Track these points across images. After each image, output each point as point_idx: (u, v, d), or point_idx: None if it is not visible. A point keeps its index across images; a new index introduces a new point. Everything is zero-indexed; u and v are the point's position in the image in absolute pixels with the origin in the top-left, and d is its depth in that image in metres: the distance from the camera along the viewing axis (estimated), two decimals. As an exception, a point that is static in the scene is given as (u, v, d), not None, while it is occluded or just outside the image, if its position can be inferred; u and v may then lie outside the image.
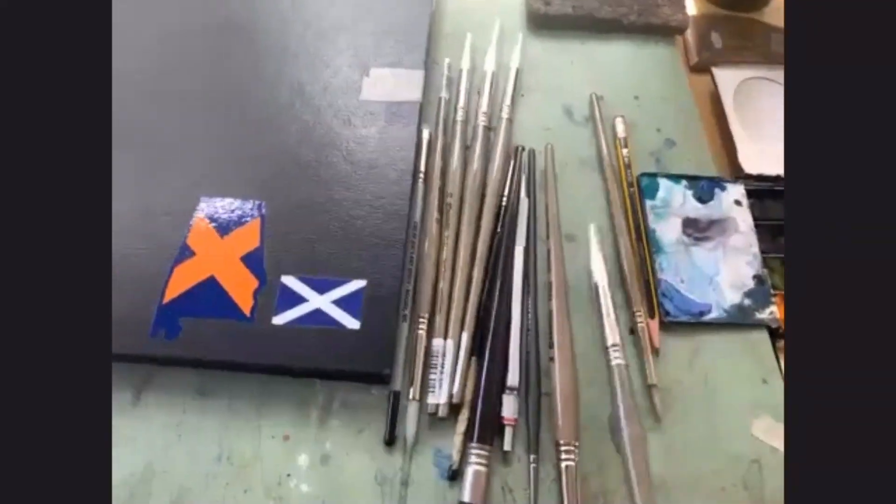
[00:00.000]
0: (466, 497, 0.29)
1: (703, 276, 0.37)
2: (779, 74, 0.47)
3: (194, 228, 0.34)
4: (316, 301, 0.32)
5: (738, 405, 0.34)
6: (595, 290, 0.36)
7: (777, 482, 0.32)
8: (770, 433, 0.33)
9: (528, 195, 0.39)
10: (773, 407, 0.34)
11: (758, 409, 0.34)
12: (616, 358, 0.33)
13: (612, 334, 0.34)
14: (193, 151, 0.37)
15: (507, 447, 0.31)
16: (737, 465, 0.32)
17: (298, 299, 0.32)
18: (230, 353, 0.31)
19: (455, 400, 0.32)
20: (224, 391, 0.33)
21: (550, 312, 0.34)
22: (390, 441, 0.32)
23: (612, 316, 0.35)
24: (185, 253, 0.33)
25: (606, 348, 0.34)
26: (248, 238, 0.34)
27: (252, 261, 0.33)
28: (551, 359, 0.33)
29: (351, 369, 0.31)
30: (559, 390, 0.32)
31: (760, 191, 0.41)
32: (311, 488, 0.31)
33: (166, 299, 0.32)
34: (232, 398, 0.33)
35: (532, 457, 0.31)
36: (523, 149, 0.40)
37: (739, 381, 0.34)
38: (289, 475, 0.31)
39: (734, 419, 0.33)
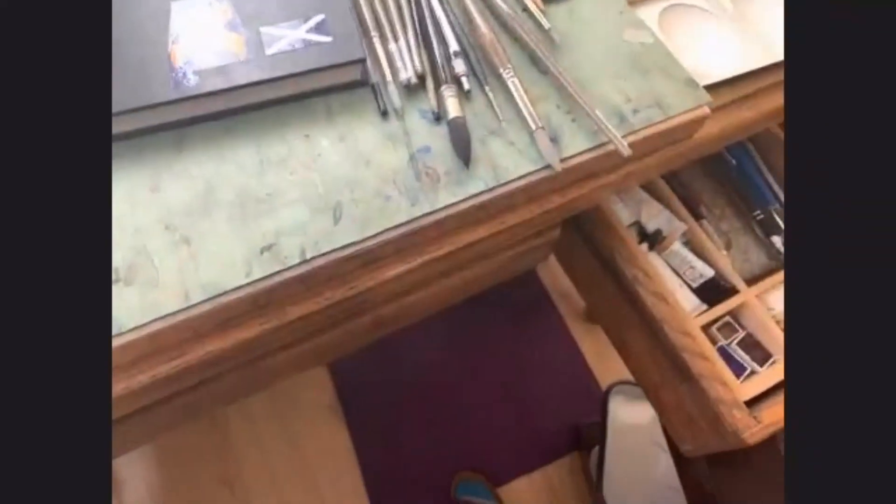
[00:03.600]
0: (452, 114, 0.40)
1: (560, -32, 0.50)
2: None
3: (173, 20, 0.42)
4: (293, 34, 0.42)
5: (610, 29, 0.47)
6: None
7: (651, 58, 0.45)
8: (637, 35, 0.46)
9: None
10: (633, 23, 0.47)
11: (624, 27, 0.47)
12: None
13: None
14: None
15: (466, 87, 0.42)
16: (622, 55, 0.45)
17: (280, 37, 0.41)
18: (240, 81, 0.40)
19: (419, 71, 0.42)
20: (249, 129, 0.41)
21: (463, 7, 0.46)
22: (384, 112, 0.42)
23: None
24: (175, 37, 0.41)
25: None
26: (223, 14, 0.43)
27: (233, 27, 0.42)
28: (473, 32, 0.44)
29: (335, 62, 0.40)
30: (487, 40, 0.43)
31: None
32: (340, 156, 0.40)
33: (176, 66, 0.40)
34: (256, 130, 0.41)
35: (487, 87, 0.42)
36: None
37: (605, 18, 0.47)
38: (319, 154, 0.40)
39: (611, 36, 0.46)
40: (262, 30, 0.42)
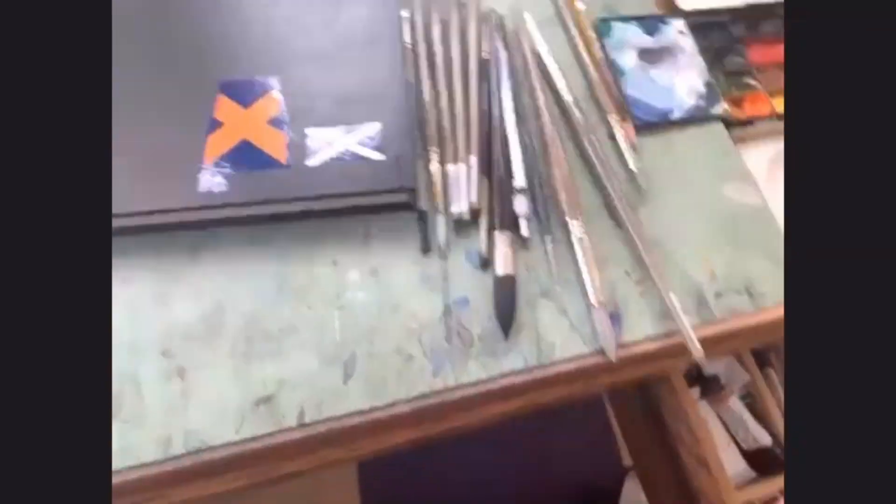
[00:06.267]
0: (500, 271, 0.35)
1: (662, 89, 0.43)
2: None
3: (218, 104, 0.38)
4: (342, 142, 0.37)
5: (709, 178, 0.40)
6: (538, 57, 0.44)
7: (750, 226, 0.38)
8: (739, 192, 0.39)
9: (506, 48, 0.44)
10: (737, 175, 0.40)
11: (725, 178, 0.40)
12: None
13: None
14: (207, 41, 0.41)
15: (524, 233, 0.37)
16: (717, 215, 0.38)
17: (326, 144, 0.37)
18: (274, 193, 0.35)
19: (474, 205, 0.37)
20: (275, 241, 0.37)
21: (541, 130, 0.40)
22: (426, 249, 0.37)
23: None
24: (214, 125, 0.37)
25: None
26: (270, 106, 0.38)
27: (277, 123, 0.38)
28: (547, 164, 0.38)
29: (382, 188, 0.35)
30: (559, 180, 0.37)
31: (701, 24, 0.48)
32: (367, 295, 0.35)
33: (206, 162, 0.36)
34: (283, 244, 0.37)
35: (547, 237, 0.37)
36: (494, 10, 0.46)
37: (706, 161, 0.41)
38: (345, 289, 0.35)
39: (708, 188, 0.40)
40: (308, 131, 0.37)
